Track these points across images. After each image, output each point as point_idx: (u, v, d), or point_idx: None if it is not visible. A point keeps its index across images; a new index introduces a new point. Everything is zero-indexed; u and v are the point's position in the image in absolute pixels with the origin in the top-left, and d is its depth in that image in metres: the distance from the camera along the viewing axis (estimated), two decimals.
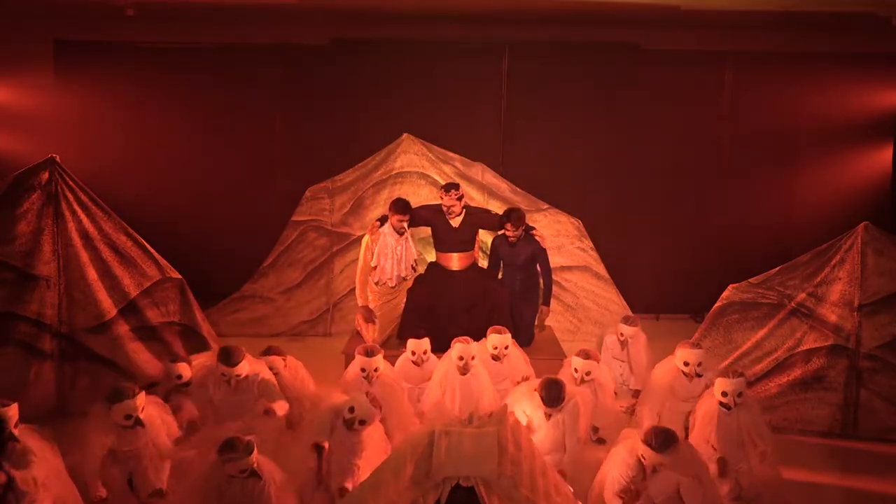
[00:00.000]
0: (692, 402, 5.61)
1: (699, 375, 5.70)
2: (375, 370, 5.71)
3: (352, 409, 4.83)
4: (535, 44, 9.22)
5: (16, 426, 4.65)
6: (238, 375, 5.47)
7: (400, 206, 7.08)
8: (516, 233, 7.06)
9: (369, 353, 5.72)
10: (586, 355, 5.94)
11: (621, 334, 6.66)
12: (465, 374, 5.84)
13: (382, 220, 7.16)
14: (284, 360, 6.17)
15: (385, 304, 7.31)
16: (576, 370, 5.90)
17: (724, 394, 5.10)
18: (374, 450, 4.95)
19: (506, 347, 6.15)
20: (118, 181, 8.83)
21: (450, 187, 7.16)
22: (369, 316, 7.17)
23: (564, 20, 8.97)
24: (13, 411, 4.69)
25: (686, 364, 5.70)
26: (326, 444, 4.92)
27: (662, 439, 4.48)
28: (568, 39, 9.23)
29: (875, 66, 9.22)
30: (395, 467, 3.82)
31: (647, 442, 4.51)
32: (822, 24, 8.68)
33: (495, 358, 6.15)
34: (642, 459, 4.57)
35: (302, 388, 6.18)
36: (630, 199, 9.36)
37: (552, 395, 5.07)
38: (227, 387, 5.50)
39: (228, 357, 5.47)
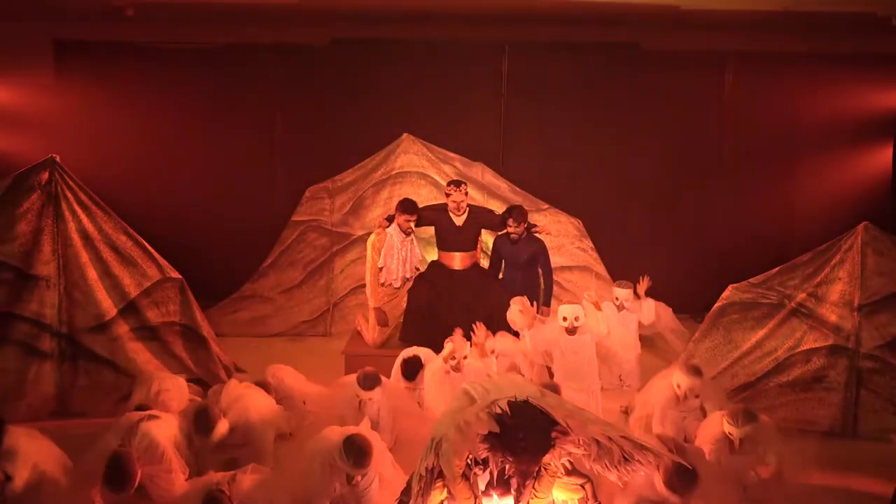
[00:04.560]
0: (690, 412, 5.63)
1: (696, 396, 5.63)
2: (370, 399, 5.52)
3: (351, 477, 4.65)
4: (535, 44, 9.22)
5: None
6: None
7: (408, 206, 7.11)
8: (518, 229, 7.08)
9: (364, 385, 5.48)
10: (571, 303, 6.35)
11: (616, 298, 6.82)
12: (458, 371, 5.86)
13: (390, 219, 7.17)
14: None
15: (386, 304, 7.32)
16: (564, 318, 6.12)
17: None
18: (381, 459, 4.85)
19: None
20: (118, 181, 8.81)
21: (459, 183, 7.20)
22: (383, 319, 7.18)
23: (564, 20, 8.97)
24: None
25: (678, 386, 5.60)
26: None
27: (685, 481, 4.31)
28: (568, 39, 9.22)
29: (875, 66, 9.21)
30: (457, 407, 3.87)
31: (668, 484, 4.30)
32: (822, 24, 8.68)
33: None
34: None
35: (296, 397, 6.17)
36: (630, 199, 9.36)
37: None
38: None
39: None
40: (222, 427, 5.08)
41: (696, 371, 5.63)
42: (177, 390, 5.90)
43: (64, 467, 4.70)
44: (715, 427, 5.10)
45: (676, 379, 5.62)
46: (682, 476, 4.24)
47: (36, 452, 4.59)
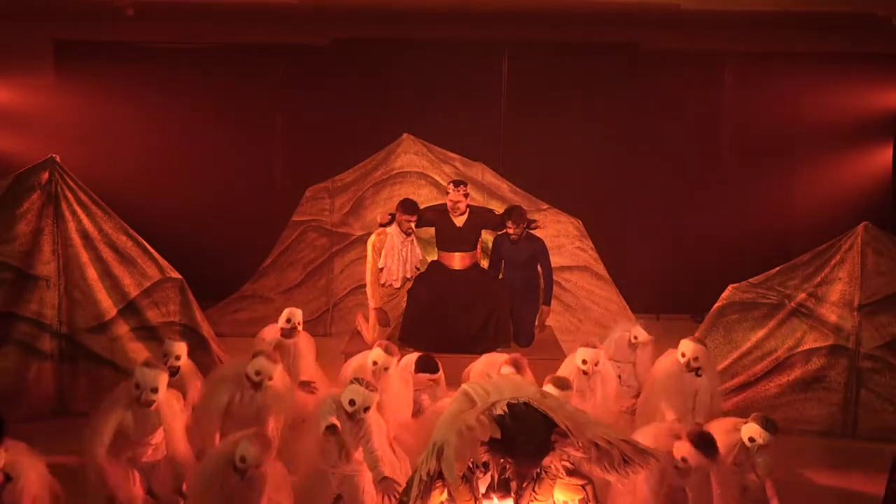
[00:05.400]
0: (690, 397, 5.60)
1: (696, 373, 5.65)
2: (385, 369, 5.53)
3: (352, 402, 4.72)
4: (535, 44, 9.23)
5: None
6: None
7: (408, 206, 7.12)
8: (517, 230, 7.09)
9: (388, 351, 5.58)
10: (594, 345, 5.84)
11: (635, 337, 6.55)
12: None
13: (392, 215, 7.18)
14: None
15: (386, 304, 7.32)
16: (584, 361, 5.72)
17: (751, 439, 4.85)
18: (378, 430, 4.91)
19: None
20: (118, 181, 8.80)
21: (458, 183, 7.22)
22: (384, 319, 7.18)
23: (564, 20, 8.97)
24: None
25: (683, 355, 5.62)
26: (339, 423, 4.73)
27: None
28: (567, 39, 9.23)
29: (875, 66, 9.22)
30: (457, 409, 3.88)
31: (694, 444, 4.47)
32: (822, 24, 8.68)
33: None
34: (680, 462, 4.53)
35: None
36: (630, 199, 9.37)
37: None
38: (251, 392, 5.33)
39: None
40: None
41: (700, 340, 5.71)
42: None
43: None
44: (726, 434, 4.94)
45: (682, 348, 5.64)
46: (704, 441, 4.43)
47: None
